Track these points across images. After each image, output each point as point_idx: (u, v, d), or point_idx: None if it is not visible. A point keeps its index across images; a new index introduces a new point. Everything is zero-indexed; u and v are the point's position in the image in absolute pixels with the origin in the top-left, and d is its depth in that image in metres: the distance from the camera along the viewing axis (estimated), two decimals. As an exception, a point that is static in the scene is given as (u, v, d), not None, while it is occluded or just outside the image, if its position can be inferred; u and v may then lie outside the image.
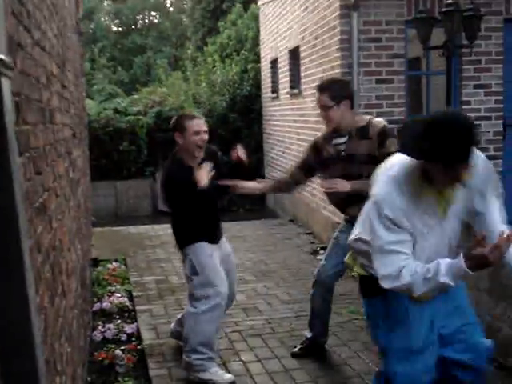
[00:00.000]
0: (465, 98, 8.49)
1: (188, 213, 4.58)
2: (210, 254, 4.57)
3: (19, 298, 1.25)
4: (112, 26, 36.73)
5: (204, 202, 4.48)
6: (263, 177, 14.97)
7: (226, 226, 11.36)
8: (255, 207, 14.97)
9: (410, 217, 2.81)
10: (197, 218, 4.58)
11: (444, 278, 2.70)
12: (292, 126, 11.57)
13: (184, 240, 4.66)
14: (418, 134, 2.68)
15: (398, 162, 2.91)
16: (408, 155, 2.76)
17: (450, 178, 2.73)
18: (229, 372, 4.64)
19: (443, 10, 6.98)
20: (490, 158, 8.93)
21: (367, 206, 2.95)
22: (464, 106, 8.50)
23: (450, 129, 2.62)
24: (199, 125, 4.50)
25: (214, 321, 4.53)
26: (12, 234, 1.22)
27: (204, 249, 4.57)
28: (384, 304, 3.12)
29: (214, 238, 4.68)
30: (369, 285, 3.17)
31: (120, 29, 36.66)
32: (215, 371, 4.51)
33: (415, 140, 2.68)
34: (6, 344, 1.18)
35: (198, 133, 4.46)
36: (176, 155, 4.61)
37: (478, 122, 8.50)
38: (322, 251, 8.60)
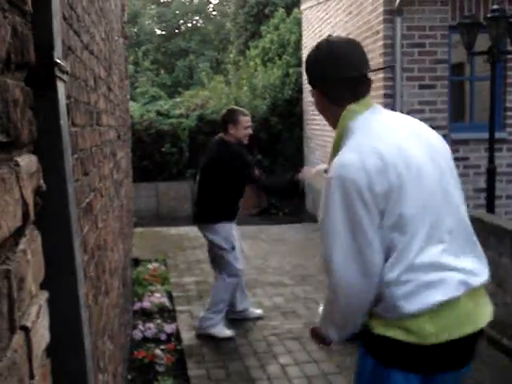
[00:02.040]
0: (509, 105, 8.38)
1: (227, 190, 5.46)
2: (232, 233, 5.56)
3: (70, 297, 1.29)
4: (156, 30, 37.08)
5: (244, 181, 5.49)
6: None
7: (265, 228, 11.44)
8: (294, 211, 14.96)
9: None
10: (231, 196, 5.53)
11: None
12: (333, 130, 11.52)
13: (213, 217, 5.50)
14: None
15: None
16: None
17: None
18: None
19: (488, 15, 6.91)
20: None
21: None
22: (508, 113, 8.39)
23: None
24: (248, 121, 5.53)
25: (230, 291, 5.57)
26: (65, 234, 1.26)
27: (229, 228, 5.54)
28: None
29: (235, 215, 5.63)
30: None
31: (163, 32, 36.99)
32: (220, 328, 5.51)
33: None
34: (58, 341, 1.22)
35: (247, 128, 5.49)
36: (225, 141, 5.50)
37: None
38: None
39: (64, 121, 1.31)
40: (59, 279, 1.26)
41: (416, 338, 2.15)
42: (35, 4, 1.19)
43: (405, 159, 2.15)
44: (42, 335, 1.05)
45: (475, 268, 2.25)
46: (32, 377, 0.97)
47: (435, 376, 2.26)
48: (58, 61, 1.27)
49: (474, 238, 2.33)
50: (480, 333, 2.28)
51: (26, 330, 0.94)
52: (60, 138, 1.25)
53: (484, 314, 2.30)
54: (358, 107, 2.30)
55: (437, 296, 2.13)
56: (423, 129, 2.37)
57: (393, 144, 2.18)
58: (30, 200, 1.03)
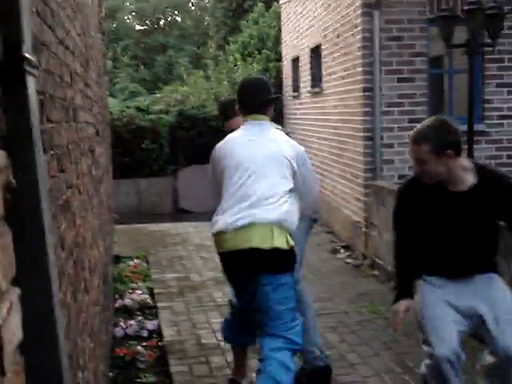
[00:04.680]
0: (487, 97, 8.44)
1: None
2: None
3: (43, 294, 1.27)
4: (135, 25, 36.92)
5: None
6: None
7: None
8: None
9: None
10: None
11: None
12: (313, 124, 11.57)
13: None
14: None
15: None
16: None
17: None
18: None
19: (466, 8, 6.94)
20: (512, 157, 8.82)
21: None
22: (486, 105, 8.45)
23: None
24: None
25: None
26: (37, 231, 1.24)
27: None
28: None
29: None
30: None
31: (143, 28, 36.84)
32: None
33: None
34: (30, 338, 1.21)
35: None
36: None
37: (500, 121, 8.45)
38: (342, 250, 8.59)
39: (35, 116, 1.30)
40: (32, 276, 1.25)
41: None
42: (3, -2, 1.17)
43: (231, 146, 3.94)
44: (13, 332, 1.04)
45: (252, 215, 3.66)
46: (3, 374, 0.96)
47: (236, 274, 3.86)
48: (27, 55, 1.26)
49: (279, 201, 3.70)
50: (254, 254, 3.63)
51: (-4, 327, 0.93)
52: (31, 134, 1.24)
53: (241, 241, 3.66)
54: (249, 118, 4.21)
55: (217, 226, 3.78)
56: (267, 138, 3.93)
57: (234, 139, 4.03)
58: (-1, 196, 1.01)
